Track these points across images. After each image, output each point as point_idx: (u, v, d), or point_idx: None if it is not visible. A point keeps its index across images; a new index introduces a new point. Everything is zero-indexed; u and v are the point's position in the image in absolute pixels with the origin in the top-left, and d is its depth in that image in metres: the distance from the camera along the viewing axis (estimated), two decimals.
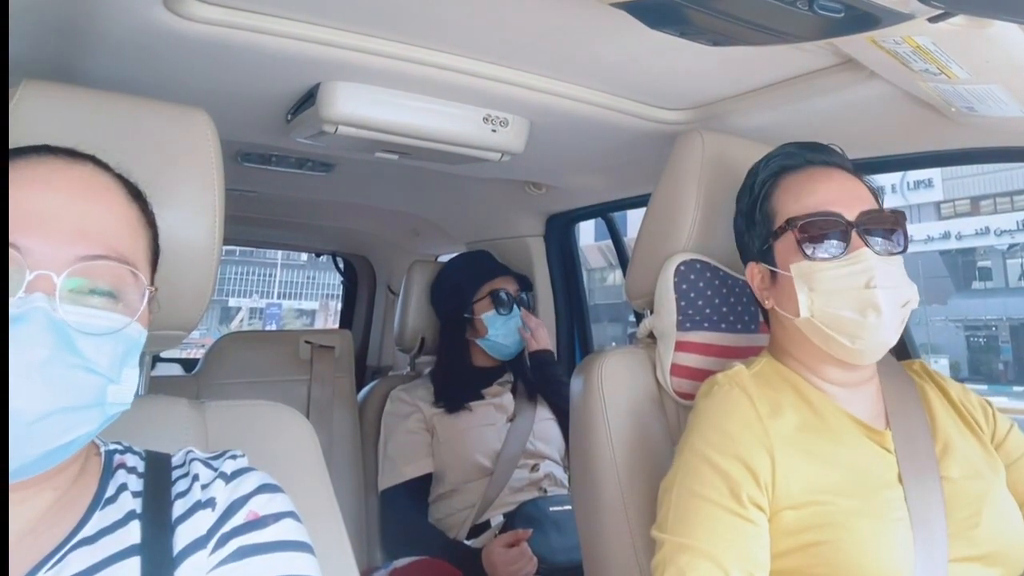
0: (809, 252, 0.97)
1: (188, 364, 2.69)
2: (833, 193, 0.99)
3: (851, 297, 0.94)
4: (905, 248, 0.99)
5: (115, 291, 0.64)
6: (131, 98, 0.91)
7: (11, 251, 0.58)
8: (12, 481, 0.59)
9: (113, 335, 0.63)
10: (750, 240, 1.08)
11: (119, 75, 1.20)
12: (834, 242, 0.96)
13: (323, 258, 3.72)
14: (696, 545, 0.89)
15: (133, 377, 0.65)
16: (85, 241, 0.62)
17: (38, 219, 0.61)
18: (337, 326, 3.81)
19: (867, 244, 0.95)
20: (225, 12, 1.03)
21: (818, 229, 0.97)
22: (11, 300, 0.57)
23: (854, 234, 0.96)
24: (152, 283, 0.70)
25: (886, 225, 0.98)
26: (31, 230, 0.60)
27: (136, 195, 0.71)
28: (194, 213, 0.86)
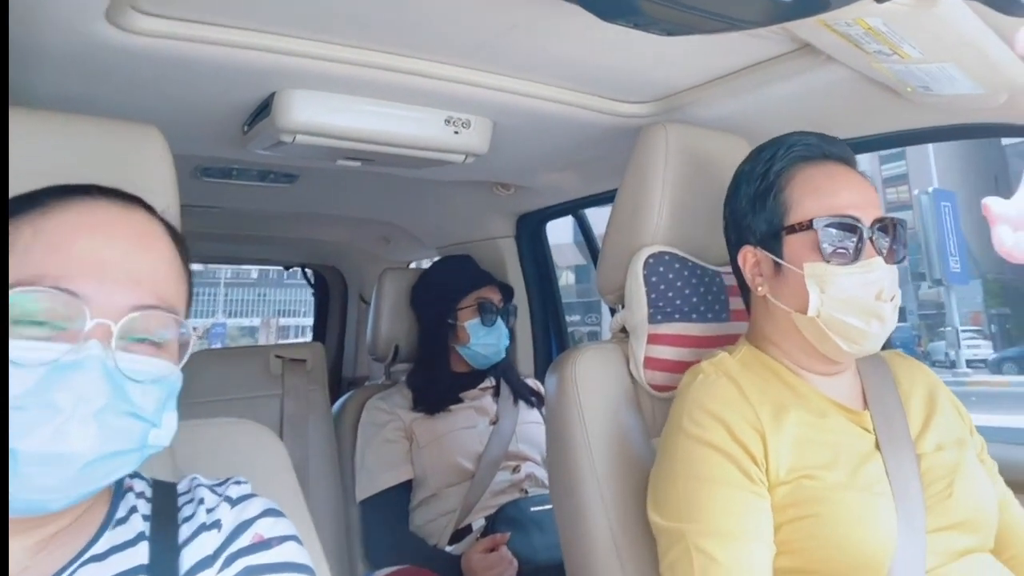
0: (828, 254, 0.97)
1: None
2: (854, 197, 0.99)
3: (861, 306, 0.96)
4: (905, 257, 1.01)
5: (162, 339, 0.66)
6: (77, 117, 0.89)
7: (70, 296, 0.60)
8: (52, 512, 0.62)
9: (159, 381, 0.65)
10: (753, 224, 1.06)
11: (66, 93, 1.18)
12: (851, 248, 0.97)
13: (271, 275, 3.69)
14: (719, 528, 0.90)
15: (172, 420, 0.67)
16: (139, 290, 0.64)
17: (95, 267, 0.62)
18: (276, 340, 3.78)
19: (878, 252, 0.97)
20: (171, 24, 1.01)
21: (839, 232, 0.97)
22: (70, 346, 0.59)
23: (868, 242, 0.97)
24: None
25: (893, 234, 0.99)
26: (89, 277, 0.61)
27: (178, 240, 0.73)
28: None
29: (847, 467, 0.94)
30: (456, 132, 1.40)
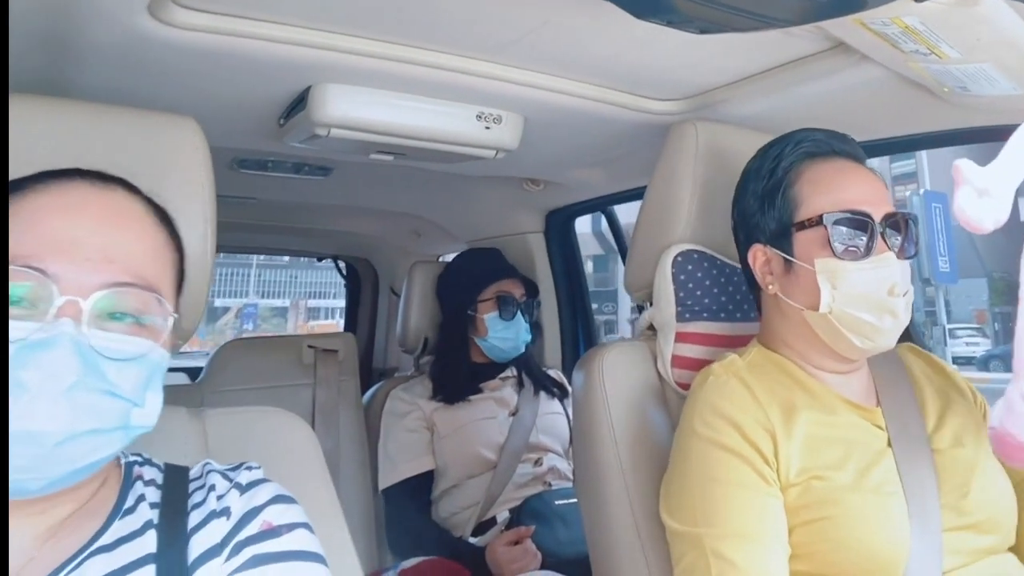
0: (839, 250, 0.96)
1: (193, 372, 2.70)
2: (865, 192, 0.99)
3: (873, 301, 0.95)
4: (916, 253, 1.00)
5: (140, 317, 0.65)
6: (118, 109, 0.91)
7: (39, 275, 0.60)
8: (35, 496, 0.61)
9: (137, 360, 0.64)
10: (762, 222, 1.06)
11: (108, 85, 1.20)
12: (863, 243, 0.96)
13: (302, 258, 3.74)
14: (736, 530, 0.89)
15: (157, 400, 0.67)
16: (112, 268, 0.63)
17: (66, 245, 0.62)
18: (305, 321, 3.84)
19: (890, 247, 0.96)
20: (211, 18, 1.03)
21: (850, 228, 0.96)
22: (39, 324, 0.58)
23: (880, 237, 0.96)
24: (177, 306, 0.72)
25: (904, 229, 0.99)
26: (59, 255, 0.61)
27: (164, 219, 0.73)
28: (186, 222, 0.86)
29: (858, 467, 0.93)
30: (487, 128, 1.41)
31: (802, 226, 1.00)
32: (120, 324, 0.63)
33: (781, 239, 1.03)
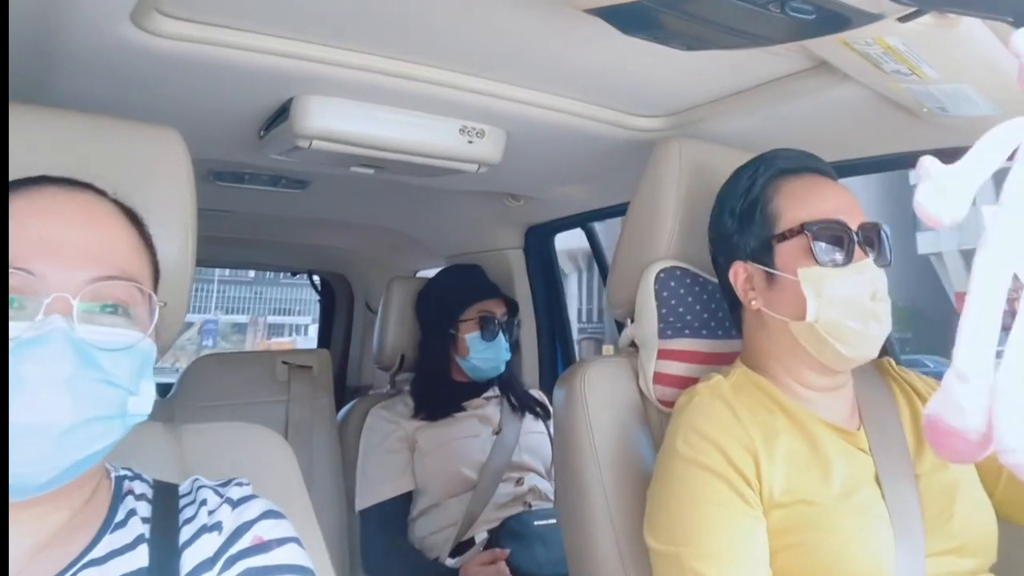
0: (821, 258, 0.97)
1: (163, 389, 2.64)
2: (840, 203, 1.01)
3: (858, 307, 0.96)
4: (890, 263, 1.01)
5: (127, 308, 0.67)
6: (100, 117, 0.90)
7: (26, 276, 0.61)
8: (39, 494, 0.62)
9: (129, 350, 0.65)
10: (741, 240, 1.07)
11: (89, 93, 1.18)
12: (842, 251, 0.98)
13: (268, 274, 3.72)
14: (715, 550, 0.89)
15: (150, 388, 0.68)
16: (94, 263, 0.65)
17: (46, 246, 0.63)
18: (263, 338, 3.80)
19: (867, 255, 0.98)
20: (194, 27, 1.02)
21: (830, 236, 0.98)
22: (30, 323, 0.60)
23: (857, 245, 0.98)
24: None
25: (877, 238, 1.01)
26: (41, 256, 0.62)
27: (134, 219, 0.74)
28: (167, 233, 0.85)
29: (841, 491, 0.93)
30: (470, 141, 1.40)
31: (783, 237, 1.01)
32: (108, 317, 0.65)
33: (762, 254, 1.04)
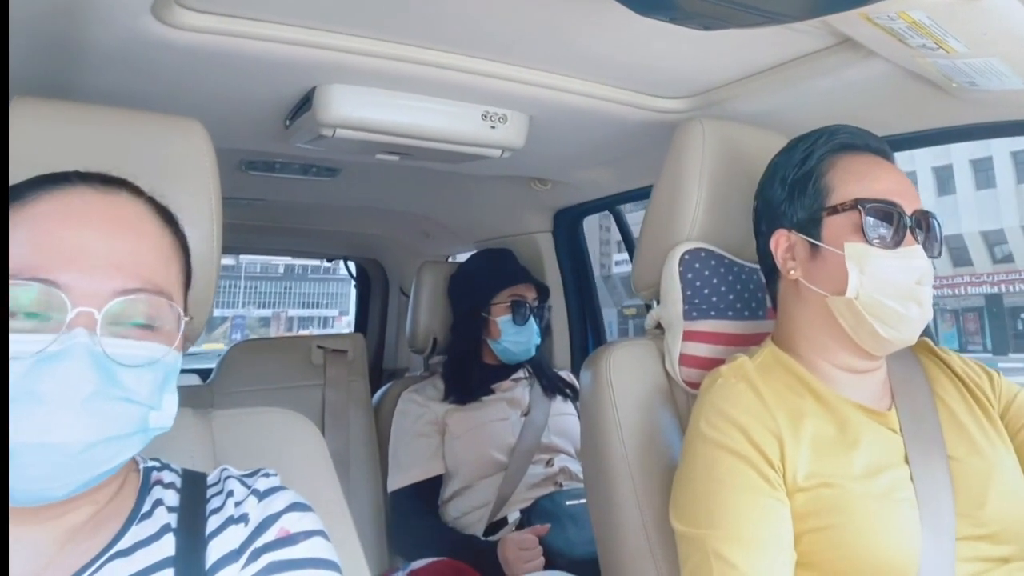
0: (870, 235, 0.96)
1: (204, 374, 2.71)
2: (897, 185, 0.99)
3: (900, 289, 0.94)
4: (940, 254, 1.00)
5: (152, 322, 0.65)
6: (123, 111, 0.91)
7: (51, 288, 0.60)
8: (56, 501, 0.61)
9: (152, 364, 0.64)
10: (789, 209, 1.05)
11: (113, 88, 1.21)
12: (893, 232, 0.96)
13: (296, 269, 3.75)
14: (739, 534, 0.88)
15: (173, 401, 0.67)
16: (121, 275, 0.63)
17: (73, 254, 0.62)
18: (283, 332, 3.84)
19: (917, 241, 0.96)
20: (215, 20, 1.03)
21: (883, 215, 0.97)
22: (53, 336, 0.58)
23: (909, 230, 0.96)
24: (186, 307, 0.72)
25: (928, 228, 0.99)
26: (67, 265, 0.61)
27: (169, 220, 0.73)
28: (192, 224, 0.87)
29: (869, 474, 0.92)
30: (493, 127, 1.41)
31: (834, 210, 1.00)
32: (133, 330, 0.63)
33: (809, 225, 1.02)
